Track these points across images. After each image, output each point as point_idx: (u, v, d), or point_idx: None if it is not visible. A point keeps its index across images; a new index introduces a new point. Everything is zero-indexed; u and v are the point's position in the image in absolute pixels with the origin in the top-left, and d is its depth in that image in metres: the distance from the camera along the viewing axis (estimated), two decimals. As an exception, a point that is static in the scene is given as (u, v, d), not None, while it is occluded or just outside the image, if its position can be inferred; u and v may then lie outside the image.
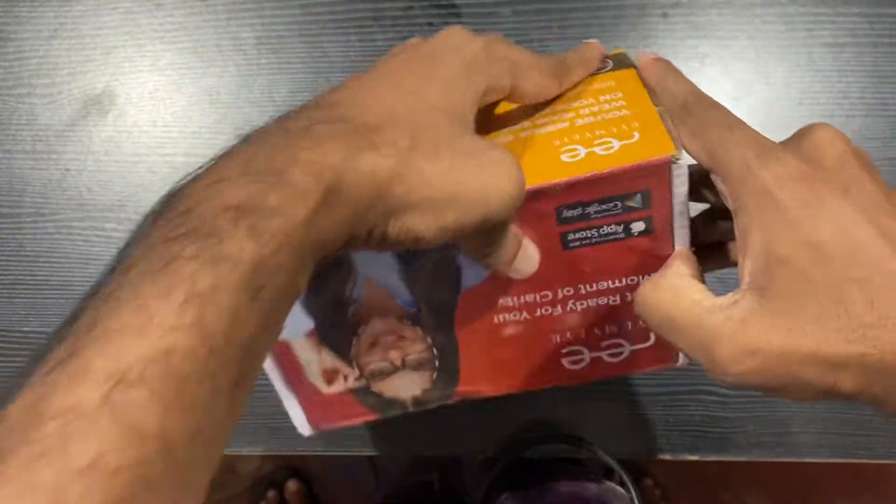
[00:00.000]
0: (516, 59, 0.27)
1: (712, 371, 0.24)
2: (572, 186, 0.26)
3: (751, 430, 0.45)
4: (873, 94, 0.44)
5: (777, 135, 0.47)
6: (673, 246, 0.28)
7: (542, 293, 0.30)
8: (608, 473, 0.55)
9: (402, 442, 0.46)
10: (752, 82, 0.44)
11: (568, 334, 0.31)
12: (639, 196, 0.27)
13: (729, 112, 0.26)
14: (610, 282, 0.29)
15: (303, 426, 0.33)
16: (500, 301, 0.30)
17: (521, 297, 0.30)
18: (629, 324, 0.31)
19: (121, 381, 0.16)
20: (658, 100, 0.28)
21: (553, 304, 0.30)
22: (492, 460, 0.47)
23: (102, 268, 0.49)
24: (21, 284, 0.46)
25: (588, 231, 0.28)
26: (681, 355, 0.32)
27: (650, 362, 0.32)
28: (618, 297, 0.30)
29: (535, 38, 0.45)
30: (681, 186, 0.26)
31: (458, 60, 0.25)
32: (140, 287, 0.17)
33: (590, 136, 0.27)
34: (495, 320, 0.31)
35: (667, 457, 0.45)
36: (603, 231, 0.28)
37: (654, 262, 0.28)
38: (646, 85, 0.29)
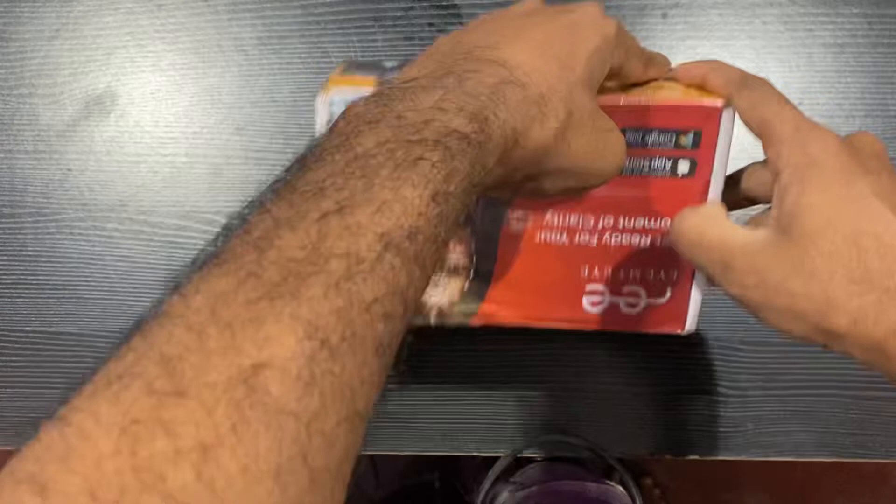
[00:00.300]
0: (631, 45, 0.30)
1: (722, 283, 0.27)
2: (638, 109, 0.31)
3: (750, 430, 0.45)
4: (873, 94, 0.44)
5: (777, 135, 0.46)
6: (706, 197, 0.32)
7: (585, 217, 0.33)
8: (608, 473, 0.55)
9: (402, 442, 0.46)
10: (752, 83, 0.44)
11: (596, 270, 0.34)
12: (691, 135, 0.31)
13: (778, 90, 0.29)
14: (646, 220, 0.33)
15: None
16: (546, 218, 0.33)
17: (566, 218, 0.33)
18: (651, 272, 0.33)
19: (388, 245, 0.19)
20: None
21: (592, 232, 0.33)
22: (492, 460, 0.47)
23: (102, 267, 0.48)
24: (22, 284, 0.46)
25: (642, 160, 0.32)
26: (687, 322, 0.34)
27: (660, 322, 0.34)
28: (648, 240, 0.33)
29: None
30: (726, 135, 0.31)
31: (598, 38, 0.28)
32: (396, 172, 0.20)
33: (656, 86, 0.32)
34: (537, 238, 0.33)
35: (667, 456, 0.45)
36: (654, 164, 0.32)
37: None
38: (694, 82, 0.32)
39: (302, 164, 0.21)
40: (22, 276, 0.46)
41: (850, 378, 0.45)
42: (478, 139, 0.22)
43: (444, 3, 0.45)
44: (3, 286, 0.47)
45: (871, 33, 0.44)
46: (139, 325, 0.18)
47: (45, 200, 0.46)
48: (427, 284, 0.21)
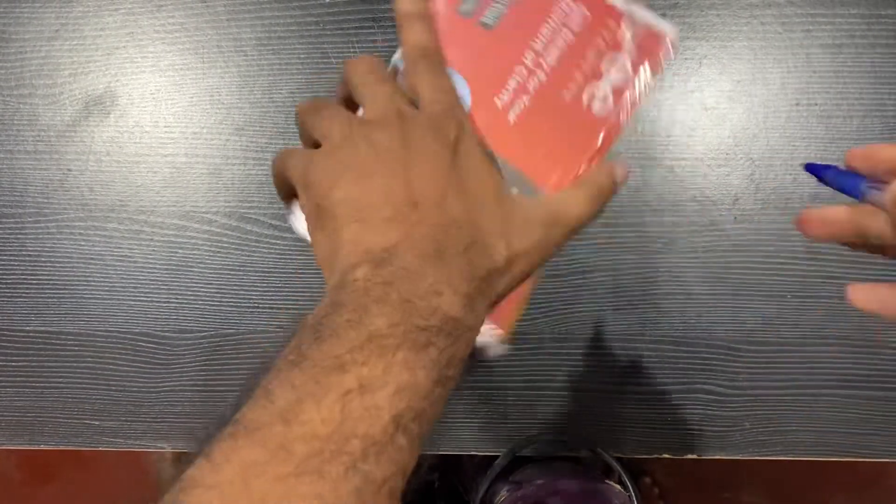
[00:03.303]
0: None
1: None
2: None
3: (748, 429, 0.45)
4: (871, 95, 0.44)
5: (775, 135, 0.47)
6: None
7: (518, 70, 0.34)
8: (607, 472, 0.55)
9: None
10: (750, 83, 0.44)
11: (570, 84, 0.34)
12: None
13: None
14: (548, 21, 0.34)
15: None
16: (498, 104, 0.34)
17: (506, 87, 0.34)
18: (600, 41, 0.34)
19: (399, 427, 0.21)
20: None
21: (532, 71, 0.34)
22: (491, 459, 0.47)
23: (103, 267, 0.49)
24: (23, 284, 0.47)
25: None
26: (669, 49, 0.33)
27: (655, 51, 0.34)
28: (569, 31, 0.34)
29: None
30: None
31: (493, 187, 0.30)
32: (411, 354, 0.23)
33: None
34: (511, 119, 0.34)
35: (665, 455, 0.46)
36: None
37: None
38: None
39: (316, 334, 0.23)
40: (22, 276, 0.47)
41: (848, 377, 0.45)
42: (468, 323, 0.25)
43: (443, 4, 0.46)
44: (3, 286, 0.47)
45: (869, 34, 0.44)
46: (172, 492, 0.20)
47: (46, 200, 0.47)
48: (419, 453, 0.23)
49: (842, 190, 0.27)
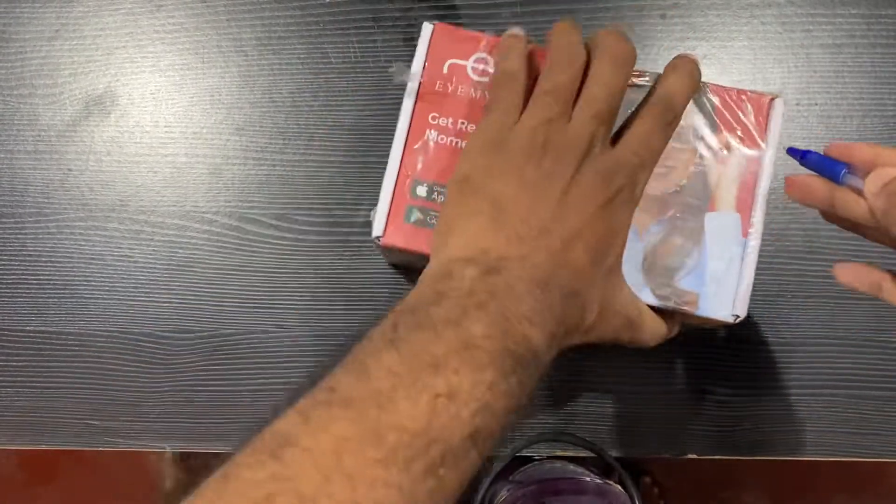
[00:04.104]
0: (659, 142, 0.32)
1: None
2: None
3: (748, 429, 0.45)
4: (871, 95, 0.44)
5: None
6: None
7: None
8: (607, 472, 0.55)
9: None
10: (750, 83, 0.44)
11: None
12: None
13: None
14: None
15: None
16: None
17: None
18: None
19: (475, 443, 0.23)
20: None
21: None
22: (491, 459, 0.47)
23: (103, 267, 0.49)
24: (23, 284, 0.47)
25: None
26: None
27: None
28: None
29: (533, 39, 0.45)
30: None
31: (629, 215, 0.30)
32: (497, 377, 0.23)
33: None
34: None
35: (665, 455, 0.46)
36: None
37: None
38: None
39: (416, 319, 0.24)
40: (22, 276, 0.47)
41: (848, 377, 0.45)
42: (545, 358, 0.26)
43: (442, 4, 0.46)
44: (3, 286, 0.47)
45: (869, 34, 0.44)
46: (265, 441, 0.20)
47: (46, 200, 0.47)
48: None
49: (821, 173, 0.30)
